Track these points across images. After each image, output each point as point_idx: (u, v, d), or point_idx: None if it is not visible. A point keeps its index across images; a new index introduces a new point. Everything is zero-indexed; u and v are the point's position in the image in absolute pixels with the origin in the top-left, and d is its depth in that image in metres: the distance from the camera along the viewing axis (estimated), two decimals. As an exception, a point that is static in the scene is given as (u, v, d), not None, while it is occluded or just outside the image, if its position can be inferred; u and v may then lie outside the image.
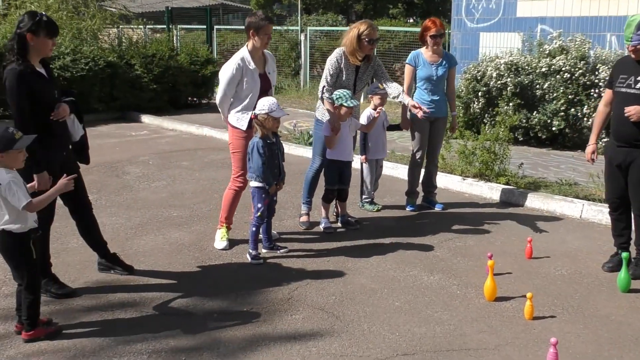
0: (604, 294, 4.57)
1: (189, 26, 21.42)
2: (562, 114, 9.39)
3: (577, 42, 9.77)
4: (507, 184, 7.16)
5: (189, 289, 4.58)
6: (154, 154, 9.41)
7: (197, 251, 5.35)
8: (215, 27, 19.46)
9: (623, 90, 4.68)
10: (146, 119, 12.70)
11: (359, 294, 4.55)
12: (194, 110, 13.83)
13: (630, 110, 4.53)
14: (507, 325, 4.07)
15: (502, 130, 7.16)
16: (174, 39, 15.09)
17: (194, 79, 14.00)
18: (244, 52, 5.28)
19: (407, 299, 4.47)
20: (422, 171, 6.68)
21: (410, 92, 6.32)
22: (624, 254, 4.61)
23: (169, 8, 16.98)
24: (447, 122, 6.64)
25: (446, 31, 6.40)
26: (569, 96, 9.36)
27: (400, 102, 5.97)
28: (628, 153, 4.71)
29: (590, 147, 5.10)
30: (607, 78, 8.95)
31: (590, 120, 9.22)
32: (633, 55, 4.63)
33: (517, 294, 4.52)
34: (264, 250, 5.32)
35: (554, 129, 9.51)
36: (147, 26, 17.61)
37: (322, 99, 5.71)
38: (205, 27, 17.89)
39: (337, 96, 5.57)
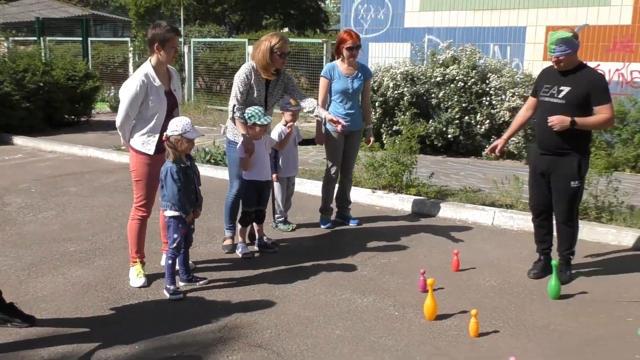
0: (537, 302, 4.56)
1: (60, 38, 20.12)
2: (457, 121, 9.59)
3: (467, 52, 10.03)
4: (417, 194, 7.13)
5: (104, 337, 4.06)
6: (34, 180, 8.57)
7: (106, 290, 4.81)
8: (90, 39, 18.38)
9: (547, 99, 4.78)
10: (19, 140, 11.67)
11: (295, 324, 4.25)
12: (74, 129, 12.91)
13: (553, 120, 4.61)
14: (455, 345, 3.94)
15: (411, 139, 7.13)
16: (45, 52, 14.00)
17: (71, 96, 13.06)
18: (147, 68, 4.81)
19: (346, 326, 4.22)
20: (336, 186, 6.50)
21: (325, 106, 6.11)
22: (554, 262, 4.63)
23: (40, 18, 15.81)
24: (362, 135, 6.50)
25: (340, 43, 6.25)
26: (463, 104, 9.58)
27: (317, 116, 5.74)
28: (551, 161, 4.79)
29: (497, 141, 5.18)
30: (497, 86, 9.31)
31: (482, 127, 9.49)
32: (555, 66, 4.73)
33: (455, 310, 4.41)
34: (181, 284, 4.89)
35: (449, 136, 9.69)
36: (11, 38, 16.32)
37: (233, 119, 5.36)
38: (79, 39, 16.85)
39: (249, 115, 5.26)
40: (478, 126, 9.55)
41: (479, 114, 9.53)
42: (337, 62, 6.24)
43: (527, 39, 11.45)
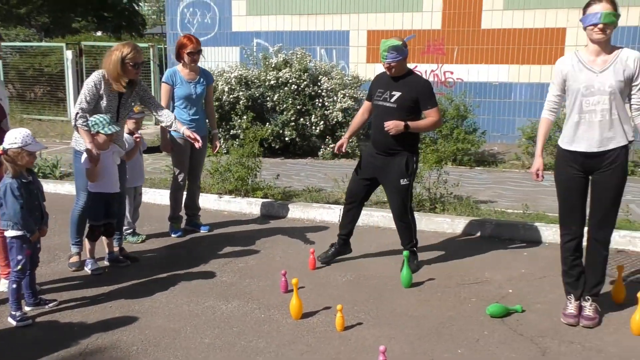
0: (393, 292, 4.85)
1: None
2: (293, 124, 9.83)
3: (298, 56, 10.31)
4: (264, 197, 7.23)
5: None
6: None
7: (-58, 323, 4.35)
8: None
9: (380, 103, 5.08)
10: None
11: (162, 338, 4.14)
12: None
13: (389, 125, 4.92)
14: (324, 341, 4.08)
15: (254, 143, 7.21)
16: None
17: None
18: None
19: (215, 334, 4.20)
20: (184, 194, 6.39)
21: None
22: (405, 253, 4.96)
23: None
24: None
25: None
26: (298, 107, 9.84)
27: (175, 130, 5.57)
28: (384, 160, 5.14)
29: (341, 140, 5.41)
30: (329, 88, 9.68)
31: (317, 128, 9.82)
32: (388, 72, 5.02)
33: (319, 307, 4.56)
34: (28, 308, 4.54)
35: (286, 139, 9.91)
36: None
37: (76, 127, 5.07)
38: None
39: (94, 122, 5.01)
40: (313, 127, 9.86)
41: (313, 115, 9.85)
42: (178, 67, 6.14)
43: (351, 42, 12.05)
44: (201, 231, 6.43)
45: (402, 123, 4.92)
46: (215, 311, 4.55)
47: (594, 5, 3.85)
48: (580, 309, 4.26)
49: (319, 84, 10.04)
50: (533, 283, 4.99)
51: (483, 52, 11.20)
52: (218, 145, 6.50)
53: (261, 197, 7.20)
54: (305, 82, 9.92)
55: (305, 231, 6.39)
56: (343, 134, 9.78)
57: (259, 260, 5.62)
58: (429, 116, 5.06)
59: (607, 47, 3.94)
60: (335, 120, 9.87)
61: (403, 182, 5.09)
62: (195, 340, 4.10)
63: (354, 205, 5.44)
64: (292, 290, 4.71)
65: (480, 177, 8.69)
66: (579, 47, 10.52)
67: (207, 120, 6.34)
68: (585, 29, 3.94)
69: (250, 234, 6.35)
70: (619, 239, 5.72)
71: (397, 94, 4.98)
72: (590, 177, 4.16)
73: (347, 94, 9.98)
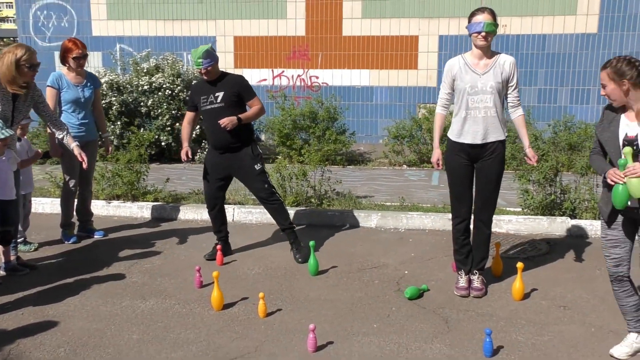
0: (302, 280, 5.20)
1: None
2: (169, 129, 9.86)
3: (169, 61, 10.34)
4: (155, 200, 7.28)
5: None
6: None
7: None
8: None
9: (208, 107, 5.47)
10: None
11: (88, 338, 4.18)
12: None
13: (224, 121, 5.33)
14: (250, 327, 4.34)
15: (140, 147, 7.25)
16: None
17: None
18: None
19: (141, 330, 4.31)
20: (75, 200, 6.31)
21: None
22: (311, 243, 5.33)
23: None
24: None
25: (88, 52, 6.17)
26: (173, 111, 9.88)
27: (65, 143, 5.51)
28: (230, 157, 5.56)
29: (184, 149, 5.68)
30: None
31: (194, 133, 9.92)
32: (205, 77, 5.43)
33: (236, 299, 4.80)
34: None
35: (162, 144, 9.91)
36: None
37: (-33, 131, 4.89)
38: None
39: (-14, 127, 4.87)
40: (189, 132, 9.95)
41: (188, 120, 9.93)
42: (63, 70, 6.07)
43: (218, 48, 12.22)
44: (96, 236, 6.38)
45: (235, 117, 5.35)
46: (134, 309, 4.64)
47: (478, 15, 4.48)
48: (469, 282, 4.87)
49: (193, 88, 10.14)
50: (423, 264, 5.57)
51: (346, 58, 11.88)
52: (110, 148, 6.48)
53: (152, 201, 7.24)
54: (179, 87, 9.98)
55: (202, 231, 6.56)
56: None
57: (165, 260, 5.72)
58: (253, 105, 5.57)
59: (488, 52, 4.58)
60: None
61: (257, 167, 5.57)
62: (124, 337, 4.19)
63: (217, 208, 5.76)
64: (206, 286, 4.93)
65: (354, 175, 9.28)
66: (430, 53, 11.57)
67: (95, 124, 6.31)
68: (470, 35, 4.56)
69: (148, 237, 6.40)
70: (487, 222, 6.49)
71: (220, 94, 5.41)
72: (475, 165, 4.76)
73: (222, 98, 10.17)
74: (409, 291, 4.77)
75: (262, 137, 11.23)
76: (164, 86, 9.87)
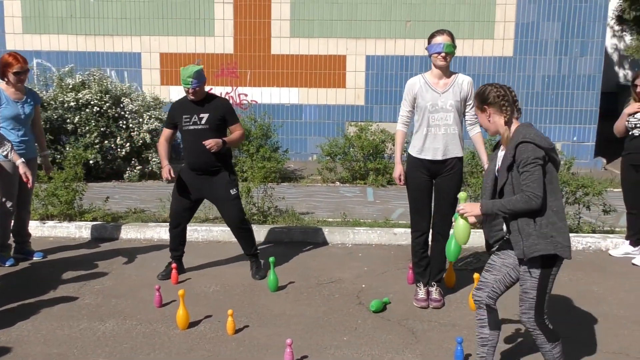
0: (263, 297, 5.19)
1: None
2: (97, 146, 9.56)
3: (96, 77, 10.05)
4: (94, 220, 7.04)
5: None
6: None
7: None
8: None
9: (191, 128, 5.35)
10: None
11: (52, 363, 4.00)
12: None
13: (211, 143, 5.23)
14: (221, 345, 4.29)
15: (77, 165, 7.01)
16: None
17: None
18: None
19: (107, 352, 4.16)
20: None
21: None
22: (271, 259, 5.32)
23: None
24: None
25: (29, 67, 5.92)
26: (102, 129, 9.59)
27: (9, 160, 5.27)
28: (207, 179, 5.46)
29: (165, 168, 5.41)
30: (133, 110, 9.63)
31: (123, 150, 9.67)
32: (192, 97, 5.29)
33: (200, 317, 4.73)
34: None
35: (91, 162, 9.57)
36: None
37: None
38: None
39: None
40: (119, 150, 9.68)
41: (118, 137, 9.68)
42: (2, 86, 5.81)
43: (143, 64, 12.00)
44: (35, 258, 6.08)
45: (220, 140, 5.29)
46: (95, 332, 4.48)
47: (437, 37, 4.68)
48: (428, 293, 5.02)
49: (122, 105, 9.90)
50: (378, 278, 5.68)
51: (275, 76, 11.95)
52: (51, 167, 6.24)
53: (90, 220, 6.99)
54: (107, 104, 9.70)
55: (147, 250, 6.41)
56: (150, 155, 9.82)
57: (115, 280, 5.54)
58: (235, 130, 5.53)
59: (447, 71, 4.79)
60: (142, 141, 9.81)
61: (233, 192, 5.49)
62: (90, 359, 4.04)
63: (181, 227, 5.68)
64: (166, 305, 4.84)
65: (291, 192, 9.32)
66: (357, 72, 11.85)
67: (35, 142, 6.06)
68: (430, 56, 4.75)
69: (91, 257, 6.17)
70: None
71: (205, 116, 5.32)
72: (434, 181, 4.93)
73: (153, 115, 9.98)
74: (374, 304, 4.86)
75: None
76: (92, 102, 9.57)
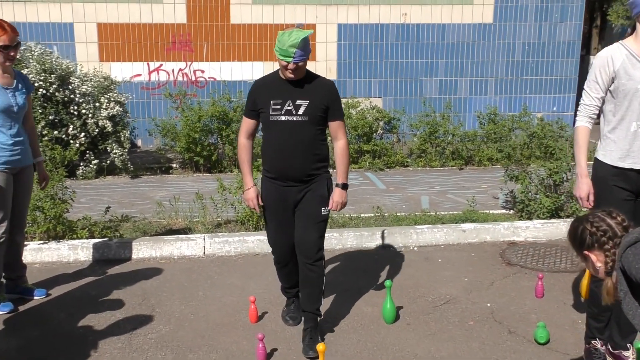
0: (381, 331, 4.03)
1: None
2: (45, 139, 7.77)
3: (35, 53, 8.20)
4: (91, 236, 5.50)
5: None
6: None
7: None
8: None
9: (283, 118, 3.70)
10: None
11: None
12: None
13: (337, 202, 3.81)
14: None
15: (60, 168, 5.44)
16: None
17: None
18: None
19: None
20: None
21: None
22: (387, 282, 4.14)
23: None
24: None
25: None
26: (50, 117, 7.83)
27: None
28: (298, 189, 3.80)
29: (251, 192, 3.89)
30: (83, 89, 7.93)
31: (77, 141, 7.97)
32: (291, 76, 3.67)
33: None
34: None
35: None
36: None
37: None
38: None
39: None
40: (72, 141, 7.96)
41: (71, 126, 7.95)
42: (-17, 68, 4.18)
43: (77, 37, 10.18)
44: (36, 297, 4.54)
45: (345, 192, 3.83)
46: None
47: None
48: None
49: (71, 87, 8.14)
50: (493, 292, 4.67)
51: (235, 49, 10.50)
52: (48, 177, 4.69)
53: (86, 238, 5.45)
54: (54, 86, 7.93)
55: (177, 273, 5.01)
56: (108, 147, 8.14)
57: (168, 322, 4.15)
58: (337, 132, 3.82)
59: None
60: (101, 130, 8.15)
61: (324, 211, 3.82)
62: None
63: (293, 263, 3.99)
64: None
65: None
66: (329, 43, 10.65)
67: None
68: (633, 17, 3.48)
69: (107, 289, 4.69)
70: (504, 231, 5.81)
71: (304, 103, 3.70)
72: (638, 200, 3.44)
73: (112, 98, 8.31)
74: (544, 335, 3.82)
75: (156, 142, 9.51)
76: (36, 85, 7.76)
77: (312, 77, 3.82)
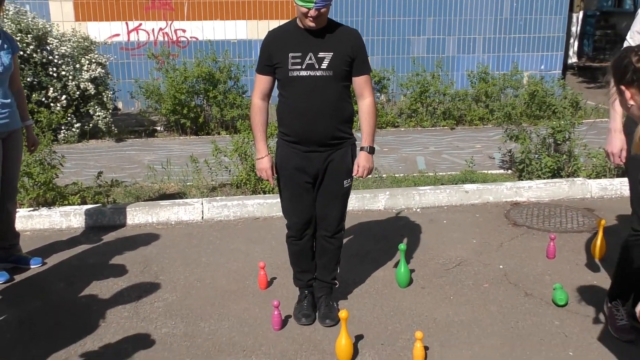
0: (397, 296, 3.92)
1: None
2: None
3: (10, 12, 7.79)
4: (83, 202, 5.28)
5: None
6: None
7: None
8: None
9: (304, 73, 3.29)
10: None
11: None
12: None
13: (364, 168, 3.48)
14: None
15: (47, 132, 5.18)
16: None
17: None
18: None
19: None
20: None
21: None
22: (401, 246, 4.02)
23: None
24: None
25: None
26: (27, 79, 7.47)
27: None
28: (321, 156, 3.40)
29: (265, 160, 3.48)
30: (62, 50, 7.58)
31: (58, 105, 7.65)
32: (312, 24, 3.19)
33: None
34: None
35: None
36: None
37: None
38: None
39: None
40: (52, 104, 7.63)
41: (52, 89, 7.61)
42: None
43: (51, -5, 9.71)
44: (32, 266, 4.34)
45: (371, 156, 3.50)
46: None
47: None
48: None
49: (49, 47, 7.77)
50: (503, 254, 4.58)
51: (217, 6, 10.14)
52: (37, 141, 4.45)
53: (79, 204, 5.23)
54: (31, 47, 7.56)
55: (177, 239, 4.84)
56: (90, 109, 7.83)
57: (174, 289, 3.99)
58: (363, 88, 3.39)
59: None
60: (82, 92, 7.83)
61: (347, 183, 3.52)
62: None
63: (307, 237, 3.63)
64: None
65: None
66: (313, 1, 10.32)
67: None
68: None
69: (105, 256, 4.50)
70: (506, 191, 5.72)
71: (328, 55, 3.27)
72: None
73: (94, 60, 7.97)
74: (563, 297, 3.73)
75: (137, 104, 9.18)
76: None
77: (334, 25, 3.35)
